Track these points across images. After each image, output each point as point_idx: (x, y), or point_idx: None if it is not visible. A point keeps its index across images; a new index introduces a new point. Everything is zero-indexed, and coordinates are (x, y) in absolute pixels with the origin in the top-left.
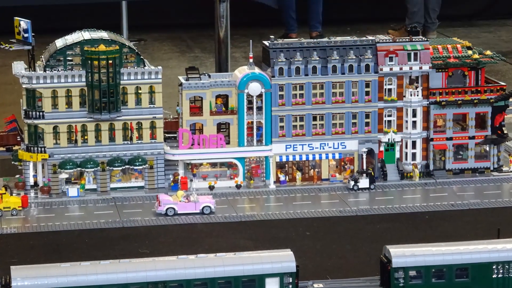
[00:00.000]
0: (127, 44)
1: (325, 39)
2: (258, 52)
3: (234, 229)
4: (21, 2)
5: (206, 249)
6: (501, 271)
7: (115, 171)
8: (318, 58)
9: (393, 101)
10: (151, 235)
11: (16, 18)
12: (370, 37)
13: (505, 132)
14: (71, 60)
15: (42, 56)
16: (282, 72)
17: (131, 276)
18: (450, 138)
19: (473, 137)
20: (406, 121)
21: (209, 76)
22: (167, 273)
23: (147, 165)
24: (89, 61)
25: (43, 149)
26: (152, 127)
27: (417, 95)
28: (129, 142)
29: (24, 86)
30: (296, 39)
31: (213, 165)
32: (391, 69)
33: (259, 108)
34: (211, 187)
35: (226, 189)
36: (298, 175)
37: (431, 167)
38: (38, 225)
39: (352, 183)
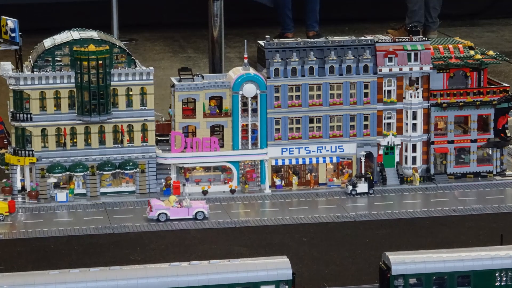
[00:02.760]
0: (117, 44)
1: (323, 39)
2: (253, 52)
3: (228, 235)
4: (8, 1)
5: (200, 256)
6: (504, 279)
7: (105, 175)
8: (315, 59)
9: (393, 103)
10: (143, 241)
11: (3, 17)
12: (369, 37)
13: (508, 135)
14: (59, 61)
15: (30, 57)
16: (278, 73)
17: (121, 284)
18: (452, 141)
19: (475, 140)
20: (406, 124)
21: (203, 77)
22: (159, 280)
23: (138, 169)
24: (79, 62)
25: (30, 152)
26: (144, 129)
27: (418, 97)
28: (119, 146)
29: (11, 87)
30: (293, 39)
31: (207, 169)
32: (390, 69)
33: (254, 110)
34: (205, 192)
35: (220, 194)
36: (295, 180)
37: (432, 171)
38: (26, 231)
39: (350, 187)
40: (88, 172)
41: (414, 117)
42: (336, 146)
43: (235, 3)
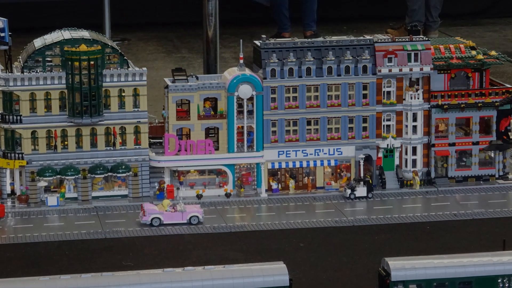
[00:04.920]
0: (109, 44)
1: (320, 39)
2: (249, 53)
3: (223, 241)
4: None
5: (194, 262)
6: (506, 285)
7: (97, 178)
8: (312, 59)
9: (392, 105)
10: (135, 246)
11: None
12: (368, 37)
13: (511, 137)
14: (50, 61)
15: (20, 57)
16: (274, 74)
17: None
18: (453, 144)
19: (477, 143)
20: (406, 126)
21: (197, 78)
22: (152, 287)
23: (131, 173)
24: (70, 62)
25: (20, 155)
26: (137, 132)
27: (418, 98)
28: (112, 148)
29: (0, 88)
30: (289, 39)
31: (201, 172)
32: (390, 70)
33: (250, 112)
34: (199, 196)
35: (214, 198)
36: (291, 183)
37: (433, 175)
38: (16, 236)
39: (348, 191)
40: (80, 175)
41: (414, 119)
42: (334, 149)
43: (230, 2)
